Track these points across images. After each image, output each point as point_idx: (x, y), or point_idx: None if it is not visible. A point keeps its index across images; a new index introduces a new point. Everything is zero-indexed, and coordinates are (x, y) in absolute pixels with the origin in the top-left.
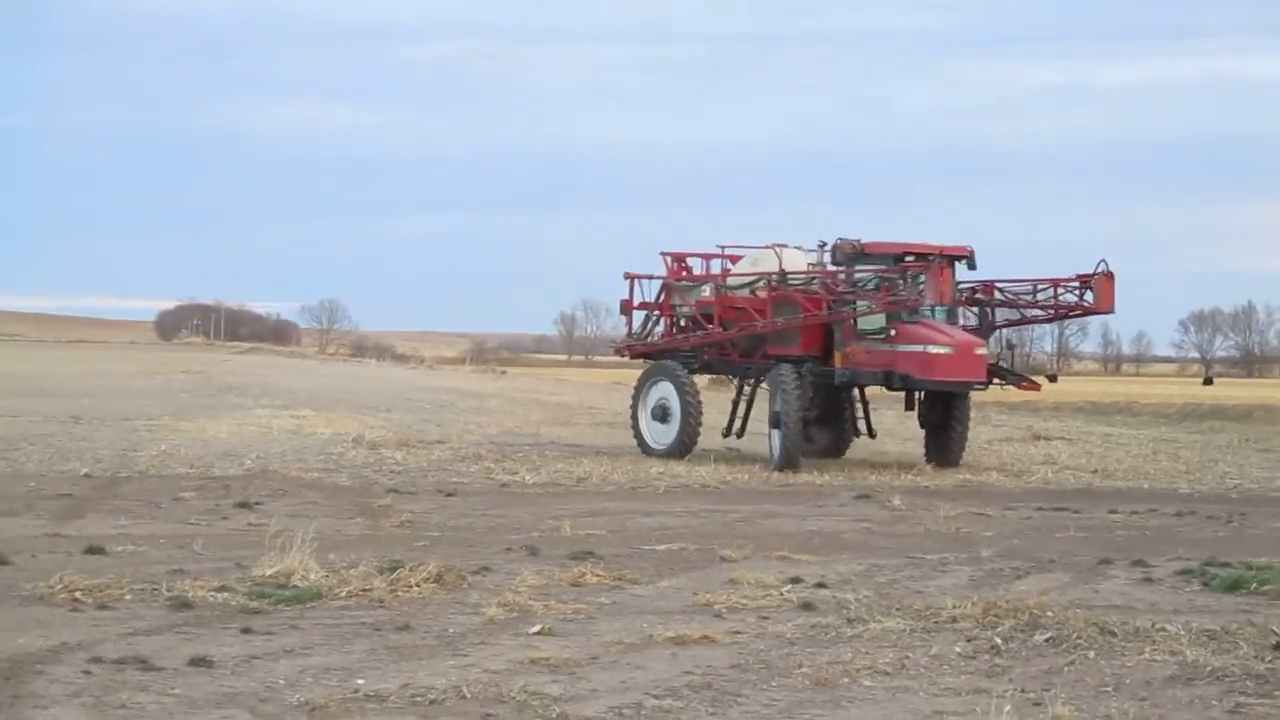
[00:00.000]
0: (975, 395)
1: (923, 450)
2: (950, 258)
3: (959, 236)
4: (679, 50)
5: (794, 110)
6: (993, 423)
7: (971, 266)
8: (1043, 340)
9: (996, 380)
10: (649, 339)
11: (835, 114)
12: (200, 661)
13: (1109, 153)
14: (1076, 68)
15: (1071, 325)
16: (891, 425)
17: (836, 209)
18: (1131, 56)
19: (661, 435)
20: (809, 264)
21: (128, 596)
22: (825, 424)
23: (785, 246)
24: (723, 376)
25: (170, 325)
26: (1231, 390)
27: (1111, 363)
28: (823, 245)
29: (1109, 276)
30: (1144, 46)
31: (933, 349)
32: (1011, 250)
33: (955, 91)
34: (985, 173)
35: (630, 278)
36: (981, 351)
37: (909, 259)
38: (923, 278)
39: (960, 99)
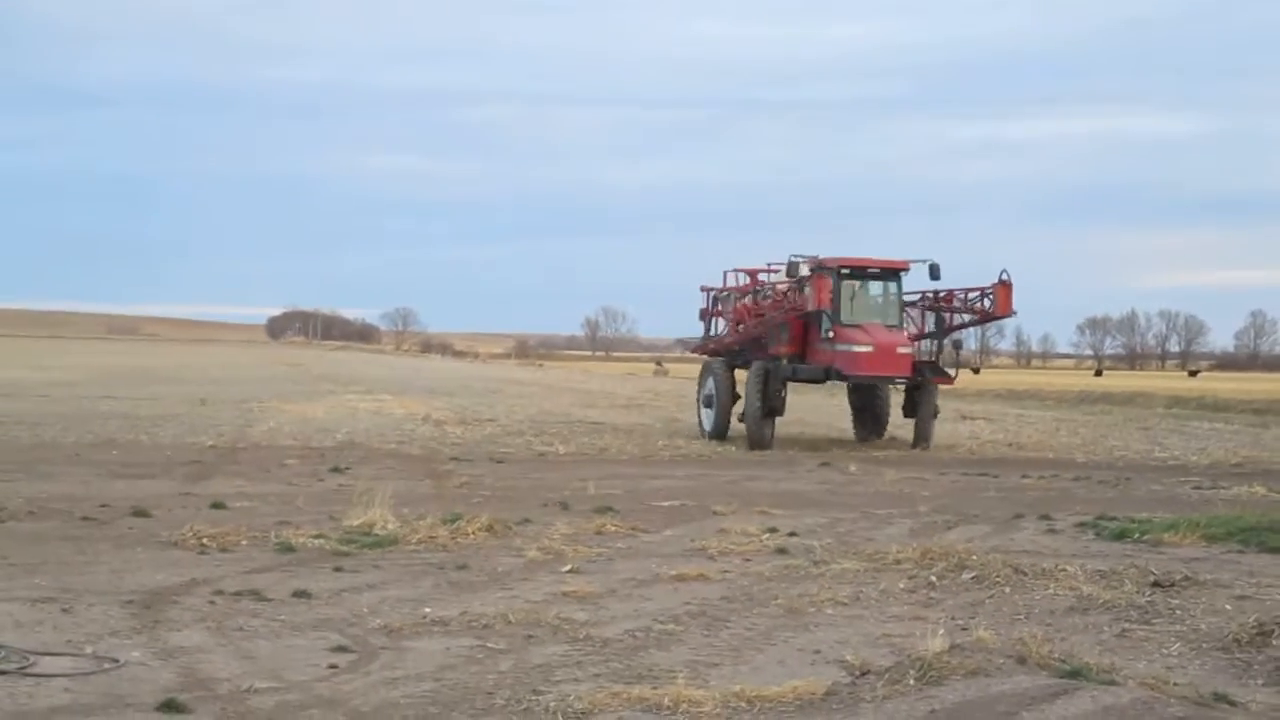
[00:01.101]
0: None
1: (910, 434)
2: (893, 270)
3: (906, 255)
4: (682, 113)
5: (773, 159)
6: None
7: (934, 277)
8: (968, 340)
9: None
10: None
11: (806, 162)
12: (301, 594)
13: (1022, 193)
14: (992, 127)
15: (991, 327)
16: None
17: (808, 236)
18: (1037, 118)
19: (707, 420)
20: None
21: (244, 542)
22: (867, 414)
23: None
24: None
25: (278, 328)
26: (1118, 380)
27: (1023, 358)
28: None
29: (1005, 285)
30: (1050, 110)
31: (856, 348)
32: (948, 271)
33: (896, 144)
34: (928, 209)
35: (705, 290)
36: (904, 350)
37: (844, 272)
38: (807, 289)
39: (900, 150)
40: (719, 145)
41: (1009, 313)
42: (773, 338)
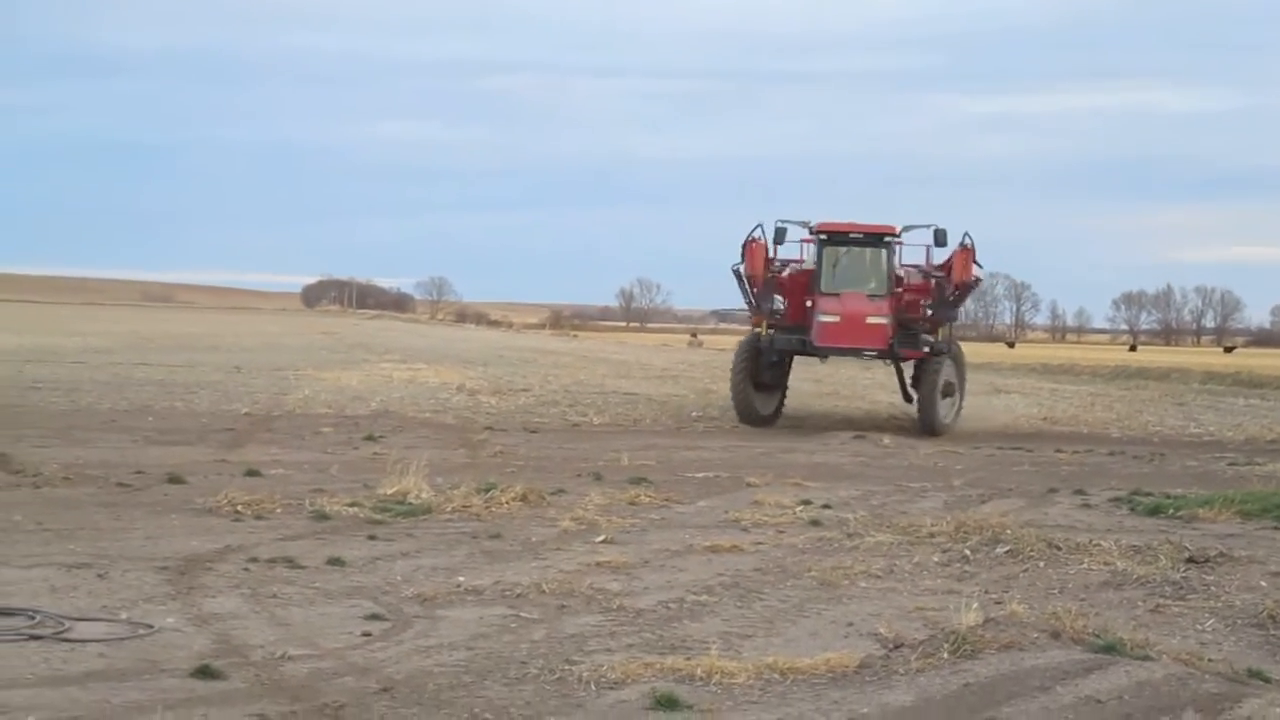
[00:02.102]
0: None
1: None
2: (878, 235)
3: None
4: (704, 84)
5: (794, 131)
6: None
7: (940, 244)
8: (1003, 314)
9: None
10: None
11: (817, 135)
12: (335, 561)
13: (1057, 167)
14: (1023, 100)
15: (1025, 300)
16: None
17: (838, 206)
18: (1072, 92)
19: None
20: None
21: (278, 510)
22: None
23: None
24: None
25: (313, 296)
26: (1153, 356)
27: (1058, 332)
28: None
29: (964, 250)
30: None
31: (823, 318)
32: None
33: (909, 118)
34: (960, 182)
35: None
36: (876, 321)
37: (823, 238)
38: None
39: (912, 124)
40: (747, 116)
41: (966, 278)
42: (788, 309)
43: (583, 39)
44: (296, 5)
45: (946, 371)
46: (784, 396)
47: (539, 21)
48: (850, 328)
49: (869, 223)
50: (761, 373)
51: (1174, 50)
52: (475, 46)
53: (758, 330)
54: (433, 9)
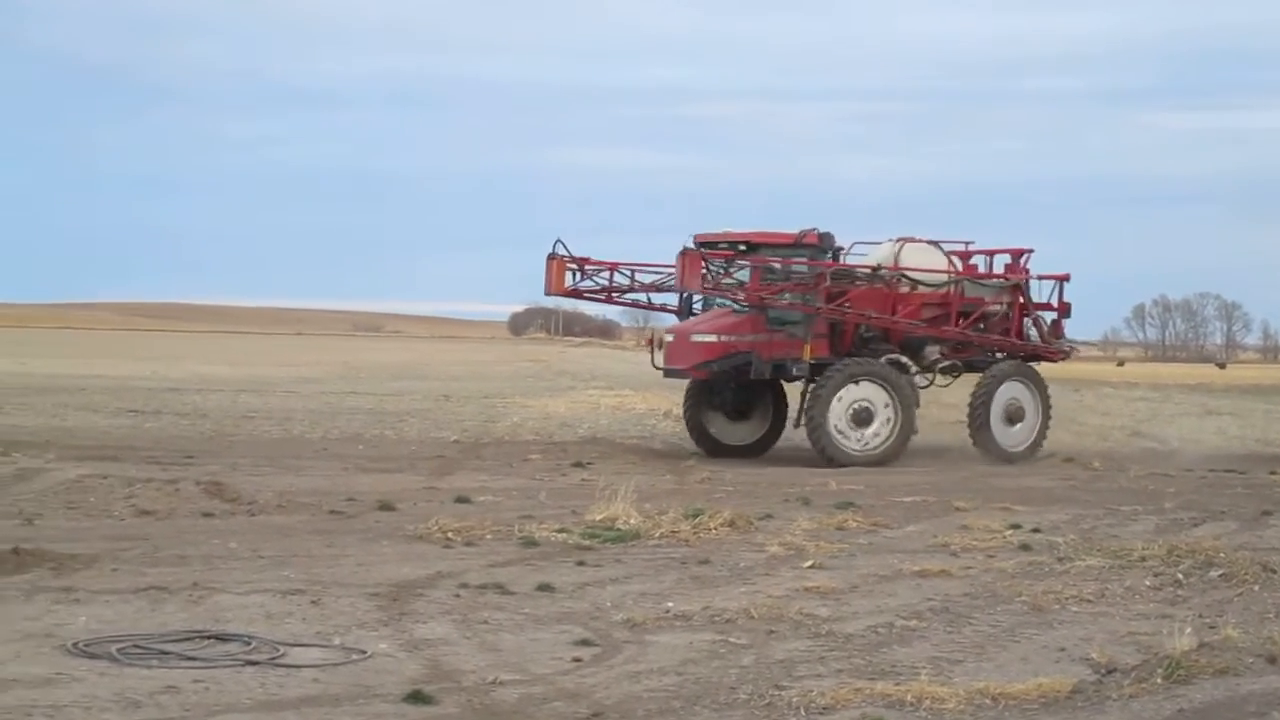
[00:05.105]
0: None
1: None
2: (770, 246)
3: (1121, 257)
4: (908, 105)
5: (1002, 151)
6: (1174, 400)
7: (824, 249)
8: (1213, 335)
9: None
10: None
11: (1031, 155)
12: (544, 587)
13: (1265, 185)
14: (1232, 116)
15: (1236, 321)
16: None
17: (1037, 230)
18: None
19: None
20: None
21: (488, 536)
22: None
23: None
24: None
25: (520, 324)
26: None
27: (1270, 353)
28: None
29: (682, 254)
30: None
31: (667, 337)
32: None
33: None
34: (1167, 200)
35: None
36: (700, 339)
37: (722, 247)
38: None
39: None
40: (949, 139)
41: (683, 286)
42: None
43: (787, 63)
44: (505, 37)
45: (844, 393)
46: (773, 426)
47: (747, 47)
48: (680, 347)
49: (754, 230)
50: (717, 395)
51: None
52: (680, 73)
53: None
54: (638, 37)
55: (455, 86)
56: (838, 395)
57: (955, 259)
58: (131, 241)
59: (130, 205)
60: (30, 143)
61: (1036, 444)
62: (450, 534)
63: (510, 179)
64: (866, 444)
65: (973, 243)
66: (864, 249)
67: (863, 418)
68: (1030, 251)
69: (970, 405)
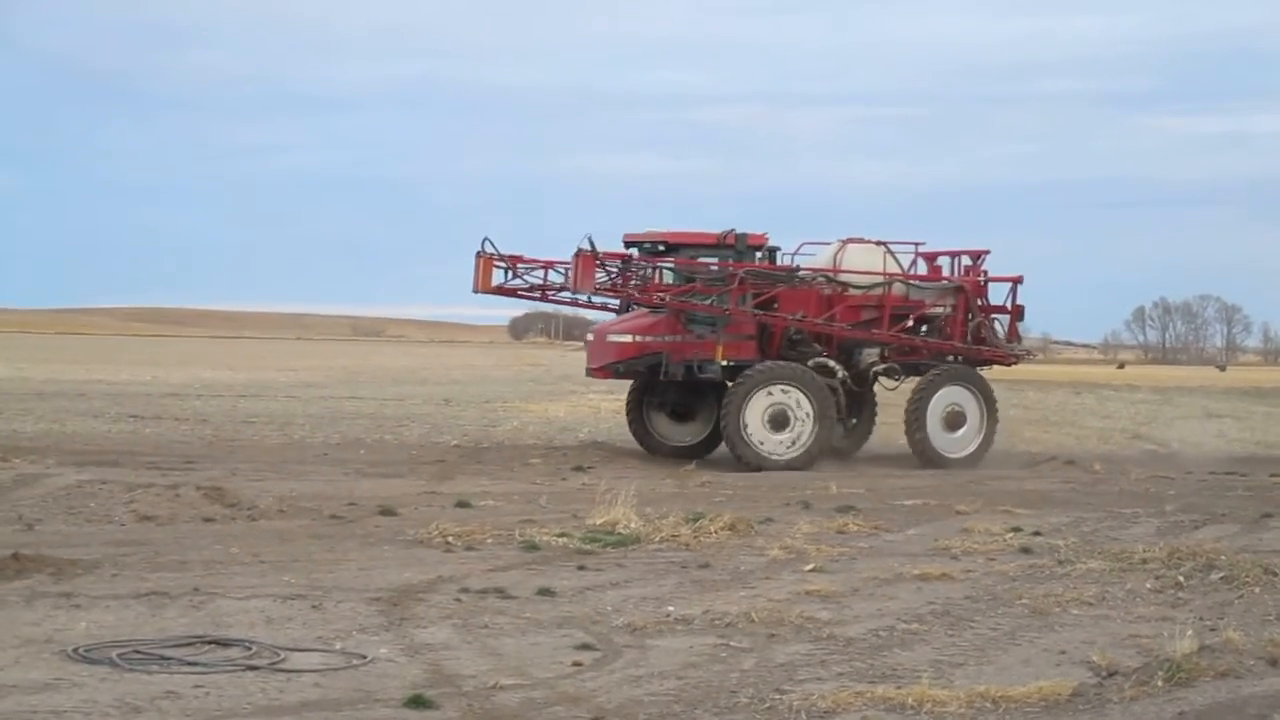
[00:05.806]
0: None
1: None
2: (691, 246)
3: (1121, 259)
4: (916, 109)
5: (1008, 155)
6: (1175, 403)
7: (738, 251)
8: (1214, 337)
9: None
10: None
11: (1036, 159)
12: (545, 591)
13: (1266, 188)
14: (1239, 121)
15: (1237, 324)
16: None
17: (1046, 233)
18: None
19: None
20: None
21: (489, 540)
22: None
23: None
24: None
25: (520, 328)
26: None
27: (1270, 355)
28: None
29: (578, 255)
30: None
31: (589, 336)
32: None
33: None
34: (1173, 203)
35: None
36: (617, 339)
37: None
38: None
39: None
40: (956, 142)
41: (576, 288)
42: None
43: (799, 68)
44: (509, 43)
45: (757, 397)
46: (715, 429)
47: (759, 52)
48: (597, 346)
49: (676, 230)
50: (659, 395)
51: None
52: (692, 78)
53: None
54: (650, 42)
55: (460, 92)
56: (749, 399)
57: (901, 260)
58: (133, 246)
59: (132, 210)
60: (32, 147)
61: (981, 450)
62: (451, 538)
63: (512, 184)
64: (783, 448)
65: (923, 244)
66: (812, 249)
67: (780, 421)
68: (987, 253)
69: (905, 410)
